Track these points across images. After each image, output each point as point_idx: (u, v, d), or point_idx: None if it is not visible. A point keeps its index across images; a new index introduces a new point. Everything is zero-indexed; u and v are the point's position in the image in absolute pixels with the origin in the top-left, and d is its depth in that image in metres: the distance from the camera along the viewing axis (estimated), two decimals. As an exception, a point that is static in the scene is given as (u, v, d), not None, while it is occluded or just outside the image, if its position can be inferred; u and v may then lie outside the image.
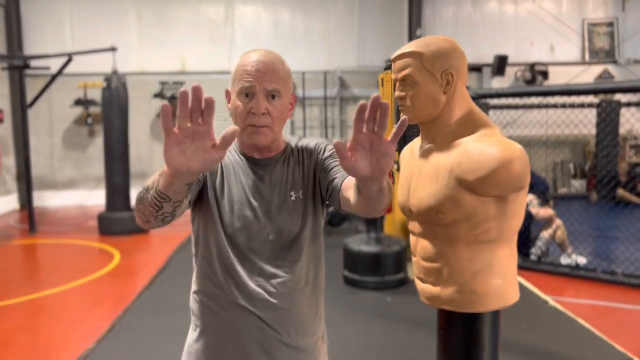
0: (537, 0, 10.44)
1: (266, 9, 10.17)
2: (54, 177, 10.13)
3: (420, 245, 1.56)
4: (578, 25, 10.62)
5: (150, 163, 9.72)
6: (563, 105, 7.21)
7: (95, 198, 9.55)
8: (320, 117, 10.26)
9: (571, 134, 9.10)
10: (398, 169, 5.35)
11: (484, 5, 10.50)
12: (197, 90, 0.89)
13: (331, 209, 7.01)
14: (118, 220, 7.14)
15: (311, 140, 1.46)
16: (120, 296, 4.62)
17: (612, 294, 4.53)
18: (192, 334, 1.41)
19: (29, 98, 7.80)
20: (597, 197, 9.03)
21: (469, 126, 1.46)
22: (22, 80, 7.39)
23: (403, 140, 5.99)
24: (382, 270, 4.60)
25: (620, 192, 8.55)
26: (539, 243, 5.39)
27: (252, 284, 1.32)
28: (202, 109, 0.92)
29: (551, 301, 4.24)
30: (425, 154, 1.53)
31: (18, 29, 9.67)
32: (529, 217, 5.40)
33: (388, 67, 5.99)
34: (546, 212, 5.44)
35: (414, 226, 1.59)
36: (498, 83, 10.01)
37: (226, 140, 0.93)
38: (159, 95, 9.74)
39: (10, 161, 9.92)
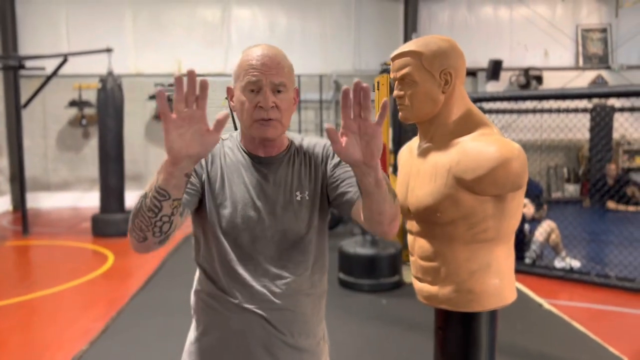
0: (531, 5, 10.51)
1: (262, 12, 10.18)
2: (47, 178, 10.08)
3: (418, 245, 1.56)
4: (572, 31, 10.70)
5: (145, 165, 9.70)
6: (557, 110, 7.24)
7: (89, 200, 9.50)
8: (315, 120, 10.27)
9: (565, 138, 9.15)
10: (394, 172, 5.36)
11: (479, 10, 10.56)
12: (191, 74, 0.94)
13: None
14: (112, 222, 7.11)
15: (317, 141, 1.45)
16: (114, 297, 4.60)
17: (605, 297, 4.55)
18: (194, 333, 1.39)
19: (24, 99, 7.76)
20: (590, 203, 9.07)
21: (468, 126, 1.46)
22: (16, 81, 7.35)
23: (398, 141, 5.98)
24: (377, 273, 4.60)
25: (612, 205, 8.59)
26: (533, 246, 5.41)
27: (256, 285, 1.30)
28: (196, 94, 0.96)
29: (545, 304, 4.25)
30: (423, 153, 1.53)
31: (13, 29, 9.63)
32: (522, 220, 5.42)
33: (384, 71, 6.02)
34: (529, 210, 5.47)
35: (412, 225, 1.59)
36: (493, 87, 10.06)
37: (220, 123, 0.99)
38: (155, 97, 9.71)
39: (3, 162, 9.86)
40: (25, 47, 9.70)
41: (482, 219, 1.41)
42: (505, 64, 10.12)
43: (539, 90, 9.03)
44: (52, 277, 5.26)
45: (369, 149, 1.05)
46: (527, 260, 5.36)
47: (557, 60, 10.67)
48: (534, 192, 5.83)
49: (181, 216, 1.23)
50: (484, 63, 10.07)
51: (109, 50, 7.38)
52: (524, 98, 5.61)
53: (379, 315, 4.07)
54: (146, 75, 9.83)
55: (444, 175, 1.42)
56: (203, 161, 1.33)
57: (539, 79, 10.28)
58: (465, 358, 1.54)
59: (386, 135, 5.66)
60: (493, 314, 1.53)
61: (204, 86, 0.96)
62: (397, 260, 4.72)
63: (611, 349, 3.39)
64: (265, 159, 1.36)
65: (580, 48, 10.66)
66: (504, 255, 1.49)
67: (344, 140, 1.05)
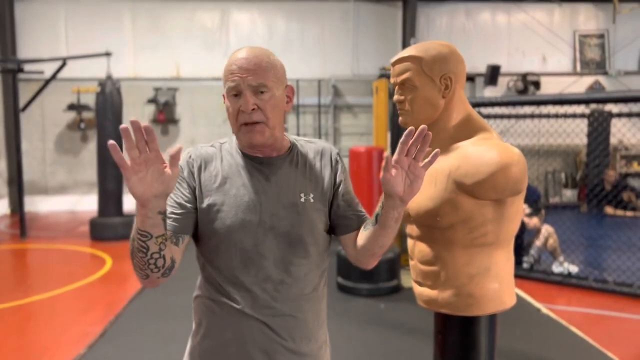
0: (529, 11, 10.56)
1: (261, 16, 10.20)
2: (45, 181, 10.06)
3: (417, 249, 1.57)
4: (569, 36, 10.75)
5: (143, 169, 9.65)
6: (555, 115, 7.26)
7: (87, 203, 9.48)
8: (314, 124, 10.28)
9: (563, 143, 9.17)
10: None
11: (477, 16, 10.61)
12: (135, 123, 0.97)
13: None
14: (110, 226, 7.10)
15: (324, 145, 1.43)
16: (112, 301, 4.59)
17: (603, 302, 4.56)
18: (195, 337, 1.39)
19: (22, 102, 7.76)
20: (587, 208, 9.08)
21: (467, 130, 1.47)
22: (15, 84, 7.35)
23: (397, 145, 5.99)
24: (375, 278, 4.60)
25: (610, 210, 8.61)
26: (532, 251, 5.42)
27: (258, 291, 1.29)
28: (145, 139, 0.99)
29: (543, 309, 4.26)
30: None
31: (12, 32, 9.63)
32: (521, 225, 5.43)
33: (382, 75, 6.04)
34: (533, 222, 5.48)
35: (411, 229, 1.59)
36: (490, 93, 10.09)
37: (174, 159, 1.03)
38: (153, 101, 9.72)
39: (1, 165, 9.84)
40: (24, 50, 9.71)
41: (481, 223, 1.42)
42: (503, 70, 10.16)
43: (537, 95, 9.06)
44: (50, 280, 5.25)
45: (411, 187, 1.15)
46: (525, 265, 5.37)
47: (555, 65, 10.71)
48: (531, 197, 5.83)
49: (177, 245, 1.25)
50: (482, 68, 10.11)
51: (107, 54, 7.39)
52: (522, 103, 5.63)
53: (377, 320, 4.07)
54: (145, 79, 9.84)
55: (444, 179, 1.43)
56: (195, 170, 1.32)
57: (537, 85, 10.32)
58: (465, 362, 1.54)
59: (384, 139, 5.68)
60: (492, 318, 1.53)
61: (149, 131, 0.99)
62: (396, 264, 4.72)
63: (609, 354, 3.39)
64: (266, 159, 1.34)
65: (577, 54, 10.71)
66: (504, 260, 1.49)
67: (393, 171, 1.13)
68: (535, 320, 4.04)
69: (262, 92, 1.26)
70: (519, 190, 1.38)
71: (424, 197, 1.48)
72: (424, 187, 1.48)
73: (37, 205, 9.81)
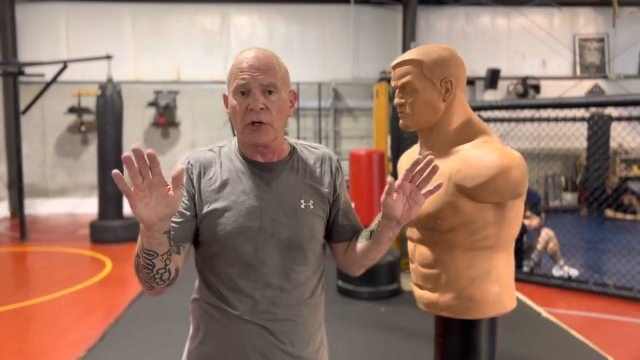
0: (529, 15, 10.58)
1: (262, 20, 10.22)
2: (45, 184, 10.06)
3: (418, 252, 1.57)
4: (569, 40, 10.77)
5: (143, 172, 9.64)
6: (555, 119, 7.28)
7: (87, 206, 9.48)
8: (314, 128, 10.29)
9: (563, 147, 9.18)
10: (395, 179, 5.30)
11: (477, 20, 10.63)
12: (137, 151, 0.99)
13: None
14: (110, 229, 7.10)
15: (324, 152, 1.43)
16: (111, 304, 4.58)
17: (604, 306, 4.56)
18: (192, 341, 1.38)
19: (23, 105, 7.77)
20: (587, 212, 9.08)
21: (468, 134, 1.48)
22: (16, 87, 7.36)
23: (397, 149, 5.98)
24: (376, 281, 4.60)
25: (610, 214, 8.61)
26: (532, 255, 5.41)
27: (258, 297, 1.29)
28: (148, 165, 1.01)
29: (544, 312, 4.25)
30: (424, 160, 1.54)
31: (13, 35, 9.65)
32: (522, 228, 5.42)
33: (382, 79, 6.05)
34: (533, 224, 5.48)
35: (412, 232, 1.59)
36: (490, 96, 10.10)
37: (177, 180, 1.03)
38: (153, 104, 9.73)
39: (2, 168, 9.85)
40: (25, 53, 9.72)
41: (482, 226, 1.42)
42: (503, 73, 10.17)
43: (537, 99, 9.07)
44: (50, 283, 5.25)
45: (409, 212, 1.20)
46: (525, 269, 5.37)
47: (555, 69, 10.73)
48: (531, 201, 5.83)
49: (179, 254, 1.25)
50: (482, 72, 10.13)
51: (108, 57, 7.41)
52: (522, 107, 5.63)
53: (377, 323, 4.06)
54: (145, 82, 9.86)
55: (444, 182, 1.43)
56: (194, 177, 1.31)
57: (537, 88, 10.33)
58: (465, 365, 1.54)
59: (384, 142, 5.68)
60: (493, 321, 1.53)
61: (152, 157, 1.00)
62: (396, 267, 4.72)
63: (610, 358, 3.39)
64: (266, 164, 1.33)
65: (577, 57, 10.72)
66: (504, 263, 1.49)
67: (394, 196, 1.18)
68: (535, 323, 4.04)
69: (270, 93, 1.26)
70: (520, 194, 1.39)
71: (424, 200, 1.48)
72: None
73: (37, 208, 9.81)
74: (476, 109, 5.25)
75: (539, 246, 5.42)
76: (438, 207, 1.43)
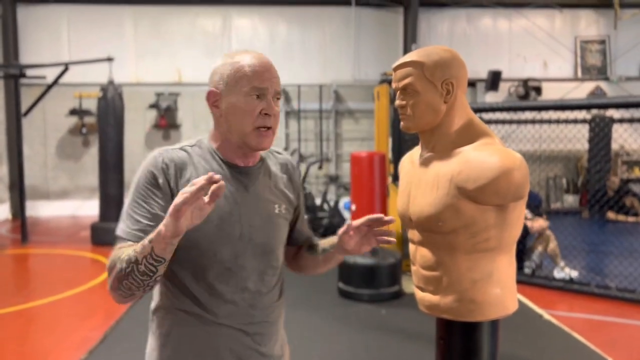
0: (530, 17, 10.58)
1: (263, 22, 10.23)
2: (47, 186, 10.07)
3: (419, 254, 1.56)
4: (571, 42, 10.76)
5: (144, 174, 9.64)
6: (556, 121, 7.26)
7: (89, 208, 9.48)
8: (315, 129, 10.29)
9: (564, 149, 9.16)
10: (393, 181, 5.33)
11: (479, 22, 10.63)
12: (215, 179, 1.04)
13: (326, 221, 7.01)
14: (111, 231, 6.89)
15: (286, 157, 1.49)
16: (112, 307, 4.57)
17: (606, 308, 4.54)
18: (163, 348, 1.32)
19: (24, 107, 7.77)
20: (589, 214, 9.06)
21: (469, 135, 1.47)
22: (17, 89, 7.37)
23: (398, 151, 5.98)
24: (377, 283, 4.59)
25: (612, 216, 8.59)
26: (533, 257, 5.40)
27: (238, 301, 1.29)
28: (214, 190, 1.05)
29: (546, 315, 4.24)
30: (425, 162, 1.53)
31: (14, 37, 9.67)
32: (524, 230, 5.41)
33: (383, 81, 6.05)
34: (539, 223, 5.46)
35: (413, 235, 1.59)
36: (492, 98, 10.09)
37: (215, 195, 1.05)
38: (155, 106, 9.74)
39: (3, 170, 9.85)
40: (26, 55, 9.73)
41: (483, 228, 1.41)
42: (504, 75, 10.16)
43: (538, 101, 9.06)
44: (51, 285, 5.25)
45: (359, 249, 1.37)
46: (527, 270, 5.35)
47: (556, 71, 10.72)
48: (533, 203, 5.83)
49: None
50: (483, 74, 10.12)
51: (109, 59, 7.41)
52: (523, 109, 5.63)
53: (378, 326, 4.06)
54: (146, 84, 9.86)
55: (445, 184, 1.43)
56: (170, 178, 1.25)
57: (538, 90, 10.32)
58: (467, 368, 1.53)
59: (385, 144, 5.68)
60: (495, 323, 1.52)
61: (222, 187, 1.05)
62: (397, 270, 4.71)
63: (612, 360, 3.38)
64: (244, 169, 1.33)
65: (579, 59, 10.72)
66: (506, 265, 1.49)
67: (351, 233, 1.35)
68: (537, 326, 4.03)
69: (276, 99, 1.29)
70: (521, 195, 1.38)
71: (425, 202, 1.47)
72: (425, 192, 1.49)
73: (39, 210, 9.81)
74: (477, 110, 5.25)
75: (540, 248, 5.41)
76: (439, 209, 1.43)
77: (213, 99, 1.30)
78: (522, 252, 5.41)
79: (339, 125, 10.42)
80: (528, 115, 7.05)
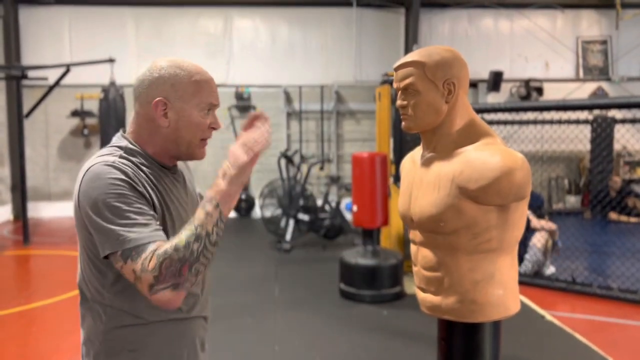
0: (532, 17, 10.56)
1: (264, 23, 10.23)
2: (49, 188, 10.08)
3: (421, 255, 1.56)
4: (572, 42, 10.74)
5: (146, 175, 9.65)
6: (558, 121, 7.25)
7: (90, 209, 9.49)
8: (316, 130, 10.28)
9: (566, 149, 9.15)
10: (395, 182, 5.32)
11: (480, 22, 10.61)
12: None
13: (327, 222, 7.00)
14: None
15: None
16: (114, 308, 4.57)
17: (608, 309, 4.53)
18: None
19: (26, 108, 7.78)
20: (591, 215, 9.04)
21: (471, 135, 1.46)
22: (19, 91, 7.38)
23: (399, 151, 5.96)
24: (378, 284, 4.58)
25: (614, 217, 8.57)
26: (530, 252, 5.36)
27: (197, 292, 1.37)
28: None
29: (548, 316, 4.23)
30: (426, 163, 1.53)
31: (16, 39, 9.68)
32: (525, 230, 5.40)
33: (385, 81, 6.04)
34: (549, 225, 5.46)
35: (415, 235, 1.58)
36: (493, 99, 10.07)
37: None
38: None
39: (5, 171, 9.87)
40: (28, 57, 9.75)
41: (485, 229, 1.41)
42: (505, 76, 10.14)
43: (540, 101, 9.05)
44: (52, 287, 5.25)
45: None
46: (521, 269, 5.32)
47: (558, 71, 10.70)
48: (535, 203, 5.82)
49: None
50: (484, 74, 10.11)
51: (111, 61, 7.42)
52: (525, 109, 5.62)
53: (380, 326, 4.05)
54: (148, 86, 9.86)
55: (447, 185, 1.42)
56: (140, 188, 1.23)
57: (540, 91, 10.31)
58: (469, 369, 1.53)
59: (387, 145, 5.68)
60: (497, 324, 1.52)
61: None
62: (399, 271, 4.70)
63: (614, 361, 3.36)
64: (173, 168, 1.39)
65: (580, 60, 10.70)
66: (508, 266, 1.48)
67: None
68: (539, 327, 4.02)
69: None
70: (523, 196, 1.38)
71: (427, 202, 1.47)
72: (427, 192, 1.48)
73: (41, 211, 9.82)
74: (479, 111, 5.24)
75: (539, 244, 5.40)
76: (441, 209, 1.42)
77: (162, 108, 1.27)
78: (524, 251, 5.40)
79: (340, 126, 10.41)
80: (530, 115, 7.05)
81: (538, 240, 5.40)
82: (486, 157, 1.36)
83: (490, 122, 6.88)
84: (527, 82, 10.29)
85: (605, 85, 10.58)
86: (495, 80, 9.98)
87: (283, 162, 7.62)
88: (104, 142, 7.30)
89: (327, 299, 4.69)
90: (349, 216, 7.60)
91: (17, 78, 7.31)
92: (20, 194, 7.72)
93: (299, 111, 10.04)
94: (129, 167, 1.24)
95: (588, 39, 10.72)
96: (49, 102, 9.00)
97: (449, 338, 1.56)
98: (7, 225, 9.19)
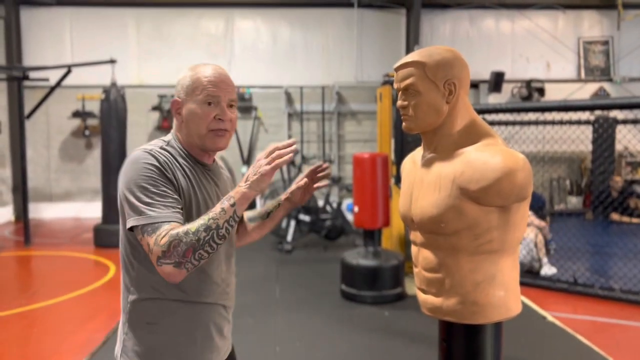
0: (533, 18, 10.56)
1: (265, 24, 10.24)
2: (50, 188, 10.09)
3: (422, 256, 1.55)
4: (574, 43, 10.73)
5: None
6: (560, 122, 7.24)
7: (91, 210, 9.51)
8: (318, 131, 10.28)
9: (568, 150, 9.13)
10: (396, 183, 5.31)
11: (481, 23, 10.61)
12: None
13: (329, 223, 6.99)
14: (114, 233, 7.08)
15: (222, 156, 1.78)
16: (115, 309, 4.57)
17: (610, 310, 4.52)
18: (149, 339, 1.43)
19: (27, 109, 7.79)
20: (592, 216, 9.02)
21: (472, 136, 1.46)
22: (20, 92, 7.39)
23: (400, 152, 5.95)
24: (379, 285, 4.58)
25: (616, 217, 8.56)
26: (522, 244, 5.37)
27: (219, 281, 1.49)
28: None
29: (549, 317, 4.22)
30: (427, 163, 1.52)
31: (18, 40, 9.70)
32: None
33: (386, 82, 6.03)
34: (537, 221, 5.47)
35: (415, 236, 1.58)
36: (495, 99, 10.07)
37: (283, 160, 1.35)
38: (157, 108, 9.75)
39: (6, 172, 9.88)
40: (30, 58, 9.76)
41: (486, 229, 1.40)
42: (507, 76, 10.14)
43: (541, 102, 9.04)
44: (54, 287, 5.25)
45: (303, 199, 1.73)
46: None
47: (559, 72, 10.69)
48: (536, 204, 5.82)
49: None
50: (485, 75, 10.10)
51: (112, 62, 7.43)
52: (526, 110, 5.61)
53: (381, 327, 4.04)
54: (149, 86, 9.88)
55: (448, 185, 1.41)
56: (170, 175, 1.39)
57: (541, 91, 10.30)
58: (470, 371, 1.52)
59: (388, 146, 5.67)
60: (498, 326, 1.51)
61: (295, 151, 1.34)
62: (400, 272, 4.69)
63: (616, 363, 3.35)
64: (210, 166, 1.54)
65: (582, 60, 10.69)
66: (509, 267, 1.47)
67: (302, 184, 1.69)
68: (541, 328, 4.01)
69: (231, 107, 1.48)
70: (525, 196, 1.37)
71: (428, 203, 1.46)
72: (427, 193, 1.47)
73: (42, 212, 9.84)
74: (480, 112, 5.23)
75: (531, 234, 5.40)
76: (442, 210, 1.42)
77: (176, 107, 1.48)
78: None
79: (341, 127, 10.41)
80: (531, 116, 7.03)
81: (527, 234, 5.41)
82: (487, 157, 1.36)
83: (492, 123, 6.86)
84: (528, 83, 10.28)
85: (606, 85, 10.56)
86: (497, 81, 9.97)
87: (284, 162, 7.60)
88: (105, 142, 7.30)
89: (328, 299, 4.69)
90: (350, 217, 7.59)
91: (18, 79, 7.32)
92: (21, 194, 7.72)
93: (300, 112, 10.04)
94: (164, 156, 1.41)
95: (589, 40, 10.71)
96: (50, 103, 9.01)
97: (450, 339, 1.55)
98: (8, 226, 9.20)
